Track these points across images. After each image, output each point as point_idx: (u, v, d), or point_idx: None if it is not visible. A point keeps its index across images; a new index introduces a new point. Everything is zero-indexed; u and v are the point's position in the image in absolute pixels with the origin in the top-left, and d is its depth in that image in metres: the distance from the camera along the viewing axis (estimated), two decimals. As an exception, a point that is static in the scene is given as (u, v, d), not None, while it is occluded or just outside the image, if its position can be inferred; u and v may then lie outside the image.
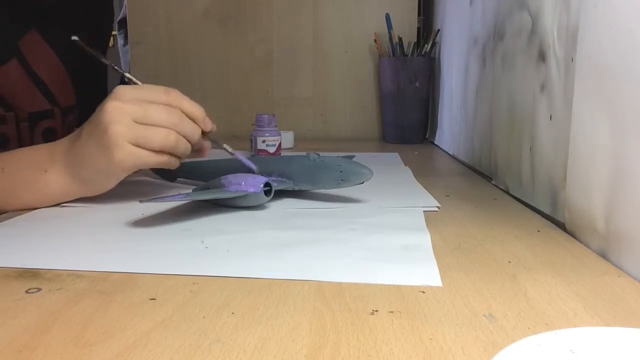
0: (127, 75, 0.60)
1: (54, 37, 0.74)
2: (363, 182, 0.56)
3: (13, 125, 0.69)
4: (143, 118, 0.51)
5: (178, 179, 0.72)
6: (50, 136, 0.73)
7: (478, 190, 0.68)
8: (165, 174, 0.72)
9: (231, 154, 0.61)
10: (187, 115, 0.54)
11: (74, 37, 0.58)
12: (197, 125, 0.55)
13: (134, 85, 0.53)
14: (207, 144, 0.68)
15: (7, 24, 0.68)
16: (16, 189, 0.54)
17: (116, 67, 0.60)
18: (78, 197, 0.56)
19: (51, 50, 0.74)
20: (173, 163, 0.54)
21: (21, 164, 0.55)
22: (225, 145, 0.61)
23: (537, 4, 0.55)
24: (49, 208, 0.56)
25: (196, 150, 0.73)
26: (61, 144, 0.55)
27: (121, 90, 0.52)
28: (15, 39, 0.69)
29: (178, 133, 0.53)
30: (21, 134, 0.70)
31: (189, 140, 0.54)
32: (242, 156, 0.61)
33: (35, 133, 0.73)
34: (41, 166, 0.54)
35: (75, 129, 0.77)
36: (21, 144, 0.72)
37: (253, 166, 0.60)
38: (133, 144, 0.51)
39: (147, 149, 0.51)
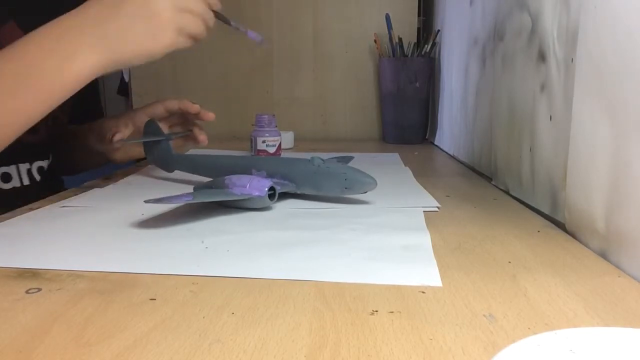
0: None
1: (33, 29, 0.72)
2: (366, 192, 0.56)
3: None
4: (182, 4, 0.57)
5: (176, 171, 0.72)
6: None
7: (478, 190, 0.68)
8: (164, 165, 0.73)
9: (240, 29, 0.68)
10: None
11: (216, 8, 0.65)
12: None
13: None
14: (203, 136, 0.79)
15: None
16: (46, 85, 0.54)
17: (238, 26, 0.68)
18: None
19: None
20: (189, 44, 0.61)
21: (47, 44, 0.54)
22: (232, 22, 0.67)
23: (537, 4, 0.55)
24: (49, 208, 0.56)
25: (193, 138, 0.81)
26: (90, 16, 0.55)
27: None
28: None
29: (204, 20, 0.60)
30: None
31: (207, 24, 0.61)
32: (250, 31, 0.68)
33: None
34: (70, 49, 0.54)
35: (56, 121, 0.77)
36: None
37: (258, 38, 0.67)
38: (175, 29, 0.57)
39: (183, 36, 0.58)
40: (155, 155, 0.73)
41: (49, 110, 0.55)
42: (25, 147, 0.70)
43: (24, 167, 0.74)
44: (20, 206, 0.57)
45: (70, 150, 0.84)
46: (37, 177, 0.76)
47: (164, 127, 0.79)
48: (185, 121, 0.82)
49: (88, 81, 0.56)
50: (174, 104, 0.78)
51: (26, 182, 0.74)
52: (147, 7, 0.55)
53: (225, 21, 0.66)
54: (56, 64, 0.54)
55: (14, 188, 0.72)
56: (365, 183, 0.56)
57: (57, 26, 0.55)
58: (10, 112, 0.53)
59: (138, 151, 0.80)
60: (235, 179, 0.56)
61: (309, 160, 0.59)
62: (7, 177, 0.72)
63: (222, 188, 0.56)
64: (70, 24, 0.55)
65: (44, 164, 0.78)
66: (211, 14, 0.61)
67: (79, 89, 0.56)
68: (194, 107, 0.77)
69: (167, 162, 0.72)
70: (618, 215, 0.39)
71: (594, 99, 0.43)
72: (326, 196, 0.59)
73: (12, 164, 0.72)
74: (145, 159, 0.78)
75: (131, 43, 0.56)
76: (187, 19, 0.58)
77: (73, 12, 0.56)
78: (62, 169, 0.84)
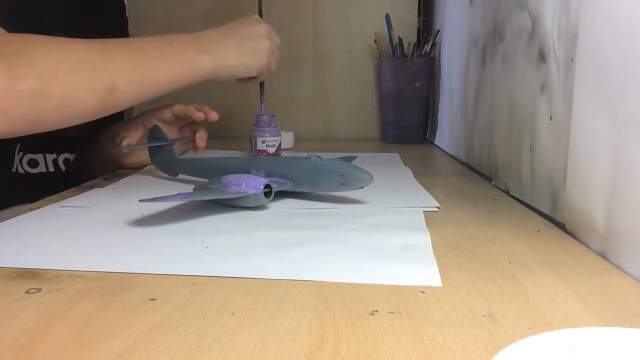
0: None
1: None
2: (363, 187, 0.56)
3: None
4: (275, 39, 0.79)
5: (180, 175, 0.72)
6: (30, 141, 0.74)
7: (478, 190, 0.68)
8: (169, 170, 0.73)
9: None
10: None
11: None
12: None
13: (260, 21, 0.79)
14: (201, 142, 0.86)
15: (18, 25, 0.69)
16: (182, 65, 0.68)
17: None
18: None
19: None
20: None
21: (185, 43, 0.69)
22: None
23: (537, 4, 0.55)
24: (49, 208, 0.56)
25: (188, 144, 0.89)
26: (210, 33, 0.74)
27: (263, 21, 0.80)
28: None
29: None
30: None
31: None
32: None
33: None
34: (201, 49, 0.70)
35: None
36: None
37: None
38: (268, 56, 0.77)
39: (269, 63, 0.77)
40: (160, 160, 0.74)
41: (172, 90, 0.68)
42: (54, 139, 0.77)
43: (50, 156, 0.81)
44: (47, 190, 0.62)
45: (86, 153, 0.87)
46: (62, 167, 0.82)
47: (174, 130, 0.85)
48: (193, 124, 0.87)
49: (204, 79, 0.71)
50: (181, 110, 0.84)
51: (51, 169, 0.81)
52: (255, 33, 0.76)
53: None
54: (193, 55, 0.69)
55: (40, 173, 0.79)
56: (361, 178, 0.56)
57: (182, 37, 0.71)
58: (158, 74, 0.66)
59: (147, 156, 0.81)
60: (232, 178, 0.56)
61: (306, 158, 0.59)
62: (34, 163, 0.79)
63: (219, 187, 0.56)
64: (193, 37, 0.71)
65: (70, 156, 0.83)
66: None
67: (195, 82, 0.70)
68: (198, 115, 0.84)
69: (171, 167, 0.73)
70: (618, 215, 0.39)
71: (594, 99, 0.43)
72: (324, 194, 0.59)
73: (39, 153, 0.79)
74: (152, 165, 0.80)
75: (238, 57, 0.73)
76: (275, 51, 0.78)
77: (195, 33, 0.73)
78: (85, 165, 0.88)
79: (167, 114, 0.83)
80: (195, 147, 0.86)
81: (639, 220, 0.37)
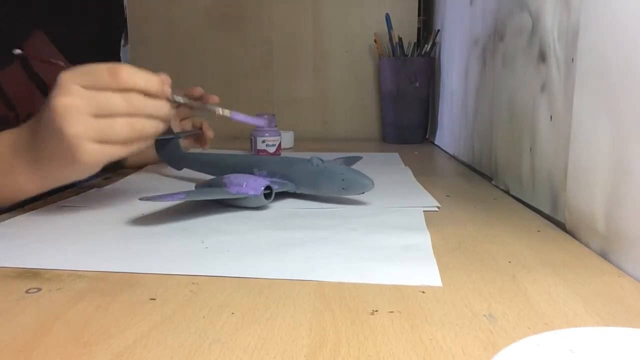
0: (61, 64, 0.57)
1: (61, 38, 0.73)
2: (364, 192, 0.57)
3: (15, 125, 0.70)
4: (99, 111, 0.46)
5: (184, 169, 0.73)
6: None
7: (478, 190, 0.68)
8: (174, 163, 0.74)
9: (226, 116, 0.57)
10: (145, 92, 0.48)
11: (17, 51, 0.56)
12: (160, 98, 0.49)
13: (76, 71, 0.46)
14: (204, 139, 0.80)
15: (15, 24, 0.68)
16: None
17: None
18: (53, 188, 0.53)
19: (57, 51, 0.74)
20: (145, 145, 0.50)
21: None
22: (216, 108, 0.58)
23: (538, 4, 0.55)
24: (49, 208, 0.56)
25: (195, 140, 0.83)
26: (23, 136, 0.50)
27: (65, 80, 0.46)
28: (20, 39, 0.69)
29: (142, 116, 0.48)
30: None
31: (158, 117, 0.49)
32: (242, 116, 0.58)
33: None
34: (8, 164, 0.50)
35: None
36: None
37: (261, 122, 0.60)
38: (96, 142, 0.46)
39: (112, 143, 0.47)
40: (166, 154, 0.75)
41: None
42: None
43: None
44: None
45: None
46: None
47: (174, 120, 0.82)
48: (194, 118, 0.85)
49: (32, 195, 0.52)
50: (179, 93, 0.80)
51: None
52: (53, 125, 0.45)
53: (190, 106, 0.56)
54: (1, 173, 0.50)
55: None
56: (362, 184, 0.56)
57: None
58: None
59: (150, 155, 0.81)
60: (233, 177, 0.56)
61: (308, 160, 0.59)
62: None
63: (220, 187, 0.56)
64: (6, 144, 0.51)
65: None
66: (155, 104, 0.49)
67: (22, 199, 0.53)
68: (197, 90, 0.78)
69: (177, 161, 0.74)
70: (618, 215, 0.39)
71: (594, 99, 0.43)
72: (325, 196, 0.59)
73: None
74: (154, 164, 0.82)
75: (50, 167, 0.49)
76: (110, 125, 0.46)
77: (14, 130, 0.52)
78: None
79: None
80: (204, 139, 0.83)
81: (639, 220, 0.37)
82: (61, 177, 0.51)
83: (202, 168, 0.70)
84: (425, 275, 0.37)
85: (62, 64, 0.59)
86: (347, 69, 1.31)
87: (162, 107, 0.49)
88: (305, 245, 0.43)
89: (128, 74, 0.47)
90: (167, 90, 0.50)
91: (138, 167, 0.82)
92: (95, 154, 0.46)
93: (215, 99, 0.79)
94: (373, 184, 0.56)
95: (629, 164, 0.38)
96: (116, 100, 0.46)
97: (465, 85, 0.91)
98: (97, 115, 0.46)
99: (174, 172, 0.75)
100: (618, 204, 0.39)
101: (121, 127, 0.47)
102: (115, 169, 0.82)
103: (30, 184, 0.51)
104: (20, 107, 0.69)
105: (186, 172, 0.73)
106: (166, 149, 0.74)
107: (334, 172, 0.57)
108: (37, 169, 0.50)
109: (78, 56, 0.76)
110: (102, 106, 0.46)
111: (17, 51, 0.57)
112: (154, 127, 0.49)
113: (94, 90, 0.46)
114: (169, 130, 0.73)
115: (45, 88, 0.72)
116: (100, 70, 0.46)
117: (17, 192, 0.51)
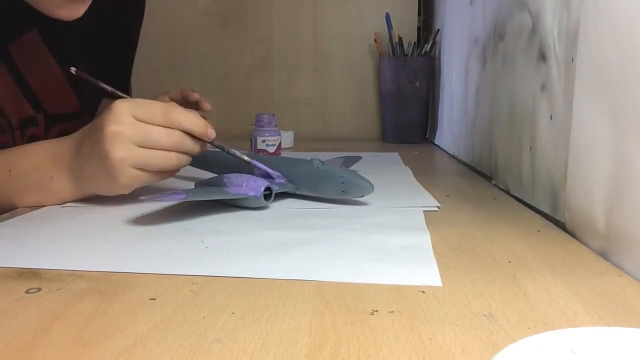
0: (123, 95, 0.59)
1: (56, 39, 0.72)
2: (363, 196, 0.57)
3: (9, 132, 0.68)
4: (144, 142, 0.51)
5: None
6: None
7: (478, 190, 0.68)
8: None
9: (245, 160, 0.61)
10: (187, 132, 0.54)
11: (72, 69, 0.59)
12: (199, 139, 0.55)
13: (132, 103, 0.52)
14: (206, 104, 0.84)
15: (7, 21, 0.67)
16: (24, 191, 0.56)
17: (117, 92, 0.60)
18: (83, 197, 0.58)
19: (49, 53, 0.72)
20: (172, 175, 0.57)
21: (28, 168, 0.56)
22: (233, 150, 0.61)
23: (538, 4, 0.55)
24: (49, 208, 0.56)
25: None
26: (66, 149, 0.55)
27: (119, 111, 0.51)
28: (7, 39, 0.67)
29: (179, 152, 0.54)
30: (16, 142, 0.68)
31: (190, 153, 0.55)
32: (256, 162, 0.61)
33: (24, 141, 0.71)
34: (47, 172, 0.55)
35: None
36: None
37: (269, 171, 0.61)
38: (136, 168, 0.52)
39: (149, 171, 0.53)
40: None
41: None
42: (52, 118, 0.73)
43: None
44: None
45: None
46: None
47: None
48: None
49: (64, 202, 0.57)
50: (176, 93, 0.85)
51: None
52: (98, 146, 0.51)
53: (223, 149, 0.60)
54: (40, 179, 0.56)
55: None
56: (362, 187, 0.56)
57: (35, 154, 0.57)
58: None
59: None
60: (233, 177, 0.56)
61: (309, 161, 0.59)
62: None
63: (220, 186, 0.56)
64: (47, 154, 0.56)
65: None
66: (192, 144, 0.54)
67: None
68: (194, 95, 0.84)
69: None
70: (618, 215, 0.39)
71: (594, 99, 0.43)
72: (325, 198, 0.59)
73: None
74: None
75: (88, 182, 0.55)
76: (151, 156, 0.52)
77: (55, 141, 0.57)
78: None
79: (165, 100, 0.83)
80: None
81: (639, 220, 0.37)
82: (95, 191, 0.56)
83: (204, 165, 0.70)
84: (425, 275, 0.37)
85: (109, 89, 0.60)
86: (347, 69, 1.31)
87: (197, 147, 0.55)
88: (305, 245, 0.43)
89: (178, 112, 0.53)
90: (211, 134, 0.55)
91: None
92: (132, 178, 0.52)
93: (207, 106, 0.85)
94: (373, 187, 0.56)
95: (629, 164, 0.38)
96: (161, 135, 0.52)
97: (465, 85, 0.91)
98: (141, 145, 0.51)
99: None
100: (618, 204, 0.39)
101: (159, 158, 0.53)
102: None
103: (64, 193, 0.56)
104: (10, 114, 0.67)
105: (186, 170, 0.73)
106: None
107: (334, 175, 0.57)
108: (76, 180, 0.55)
109: (69, 56, 0.75)
110: (148, 138, 0.52)
111: (73, 69, 0.59)
112: (185, 161, 0.55)
113: (144, 123, 0.52)
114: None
115: (33, 95, 0.70)
116: (155, 109, 0.52)
117: (50, 197, 0.56)
